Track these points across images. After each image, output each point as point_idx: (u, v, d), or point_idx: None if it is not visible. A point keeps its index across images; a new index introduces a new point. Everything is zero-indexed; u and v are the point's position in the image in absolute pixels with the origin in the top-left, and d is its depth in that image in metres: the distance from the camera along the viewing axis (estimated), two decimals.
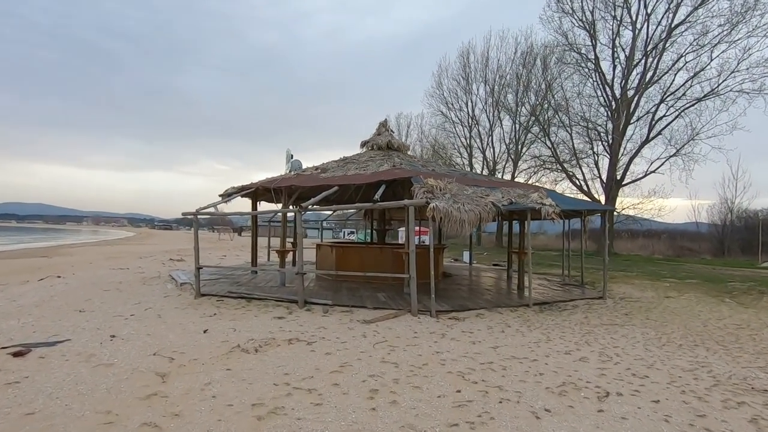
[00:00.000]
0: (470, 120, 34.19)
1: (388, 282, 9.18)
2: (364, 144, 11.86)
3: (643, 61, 21.82)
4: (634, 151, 23.24)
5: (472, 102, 33.72)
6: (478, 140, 34.20)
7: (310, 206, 7.22)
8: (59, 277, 10.83)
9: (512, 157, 31.99)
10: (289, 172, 10.53)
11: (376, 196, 7.00)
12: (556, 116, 25.85)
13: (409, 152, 12.39)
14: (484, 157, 33.68)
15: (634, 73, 22.10)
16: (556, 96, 25.84)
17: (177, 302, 7.36)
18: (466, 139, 34.70)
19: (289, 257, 11.68)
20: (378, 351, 4.74)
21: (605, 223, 8.86)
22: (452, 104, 34.73)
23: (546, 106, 26.42)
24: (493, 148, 33.59)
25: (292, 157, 10.71)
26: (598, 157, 24.56)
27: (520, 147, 31.31)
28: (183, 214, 7.76)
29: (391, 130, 12.32)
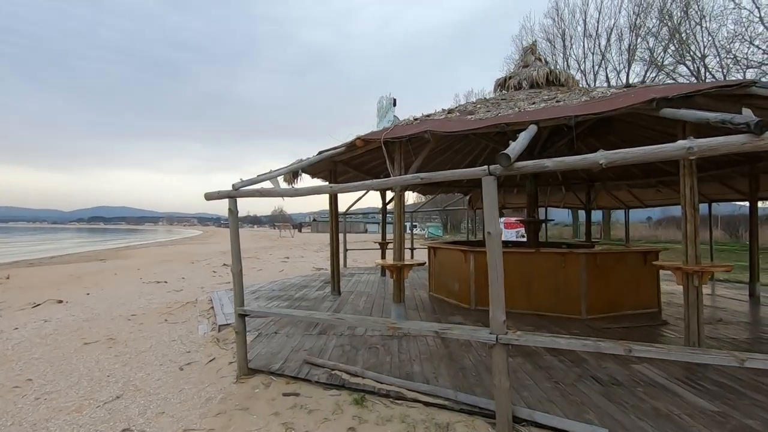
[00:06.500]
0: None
1: (571, 319, 4.56)
2: (503, 83, 7.18)
3: None
4: None
5: (567, 64, 27.59)
6: None
7: (517, 160, 2.75)
8: (60, 302, 7.43)
9: None
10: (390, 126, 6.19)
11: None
12: (702, 62, 19.33)
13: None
14: None
15: None
16: (699, 38, 19.34)
17: (198, 394, 3.27)
18: None
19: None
20: None
21: None
22: None
23: (687, 50, 19.92)
24: None
25: (394, 104, 6.33)
26: None
27: None
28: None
29: (545, 59, 7.54)
